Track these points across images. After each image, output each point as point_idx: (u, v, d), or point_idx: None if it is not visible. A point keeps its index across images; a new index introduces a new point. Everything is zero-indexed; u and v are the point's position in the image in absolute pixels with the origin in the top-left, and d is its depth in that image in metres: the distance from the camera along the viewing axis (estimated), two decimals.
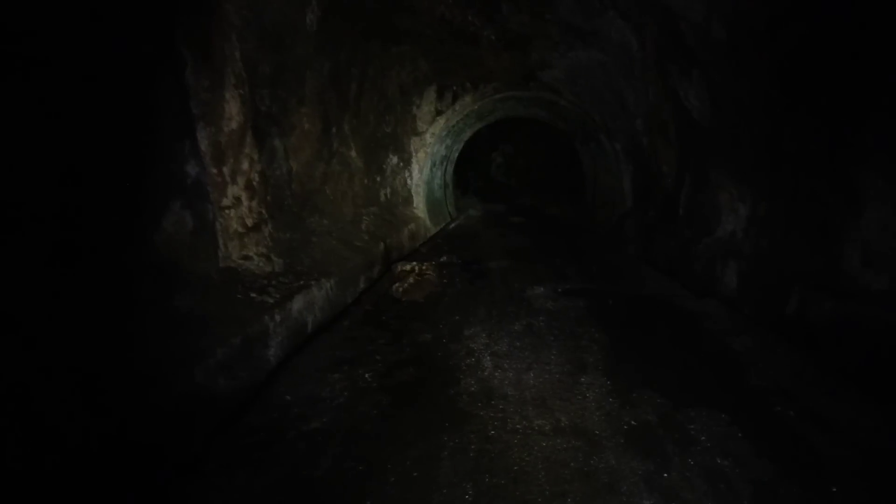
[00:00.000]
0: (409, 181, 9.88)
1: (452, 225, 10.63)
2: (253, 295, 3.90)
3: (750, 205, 5.01)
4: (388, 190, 8.82)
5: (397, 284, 5.13)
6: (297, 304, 4.24)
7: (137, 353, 2.47)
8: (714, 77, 5.04)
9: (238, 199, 4.29)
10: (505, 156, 16.10)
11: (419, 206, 10.00)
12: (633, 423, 2.53)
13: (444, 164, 11.97)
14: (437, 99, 10.11)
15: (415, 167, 10.04)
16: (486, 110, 11.02)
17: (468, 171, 14.52)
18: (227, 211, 4.21)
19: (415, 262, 6.01)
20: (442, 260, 6.74)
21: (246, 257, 4.42)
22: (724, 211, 5.65)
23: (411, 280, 5.18)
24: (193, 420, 2.60)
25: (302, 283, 4.55)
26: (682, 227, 6.69)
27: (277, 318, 3.87)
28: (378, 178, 8.43)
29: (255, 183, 4.44)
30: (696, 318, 4.28)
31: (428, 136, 10.13)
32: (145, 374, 2.43)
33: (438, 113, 10.12)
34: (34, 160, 2.42)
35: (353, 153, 6.99)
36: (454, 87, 10.11)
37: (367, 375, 3.17)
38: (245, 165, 4.32)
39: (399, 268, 5.80)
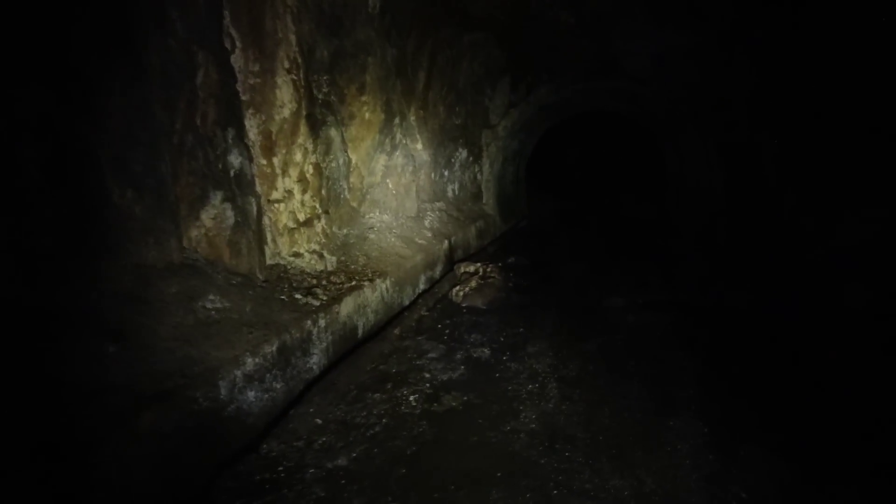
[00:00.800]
0: (478, 176, 9.37)
1: (524, 223, 10.02)
2: (298, 296, 3.55)
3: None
4: (456, 185, 8.36)
5: (458, 288, 4.65)
6: (347, 306, 3.86)
7: (141, 366, 2.13)
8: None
9: (290, 193, 3.97)
10: (582, 151, 15.18)
11: (489, 203, 9.47)
12: (742, 495, 1.90)
13: (517, 159, 11.34)
14: (510, 90, 9.51)
15: (485, 162, 9.51)
16: (563, 103, 10.27)
17: (542, 166, 13.79)
18: (276, 205, 3.89)
19: (479, 263, 5.51)
20: (509, 261, 6.19)
21: (296, 254, 4.09)
22: (849, 215, 4.74)
23: (473, 284, 4.68)
24: (208, 445, 2.24)
25: (354, 283, 4.17)
26: (788, 233, 5.75)
27: (322, 322, 3.49)
28: (446, 173, 7.98)
29: (308, 175, 4.10)
30: (813, 346, 3.48)
31: (500, 129, 9.57)
32: (153, 390, 2.09)
33: (512, 105, 9.53)
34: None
35: (419, 145, 6.58)
36: (528, 78, 9.47)
37: (411, 398, 2.71)
38: (298, 156, 3.98)
39: (462, 269, 5.32)
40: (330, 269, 4.30)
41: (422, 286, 5.41)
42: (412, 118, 6.40)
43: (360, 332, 4.00)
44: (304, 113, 3.97)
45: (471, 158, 9.05)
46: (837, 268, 4.64)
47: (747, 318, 4.05)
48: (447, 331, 3.80)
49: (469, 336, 3.67)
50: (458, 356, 3.30)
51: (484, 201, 9.42)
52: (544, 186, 13.77)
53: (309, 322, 3.35)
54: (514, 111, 9.51)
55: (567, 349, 3.37)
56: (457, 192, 8.34)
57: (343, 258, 4.50)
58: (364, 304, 4.11)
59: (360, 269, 4.46)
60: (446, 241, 6.35)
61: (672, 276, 5.39)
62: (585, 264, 6.11)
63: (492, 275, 5.09)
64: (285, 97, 3.72)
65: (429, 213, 6.77)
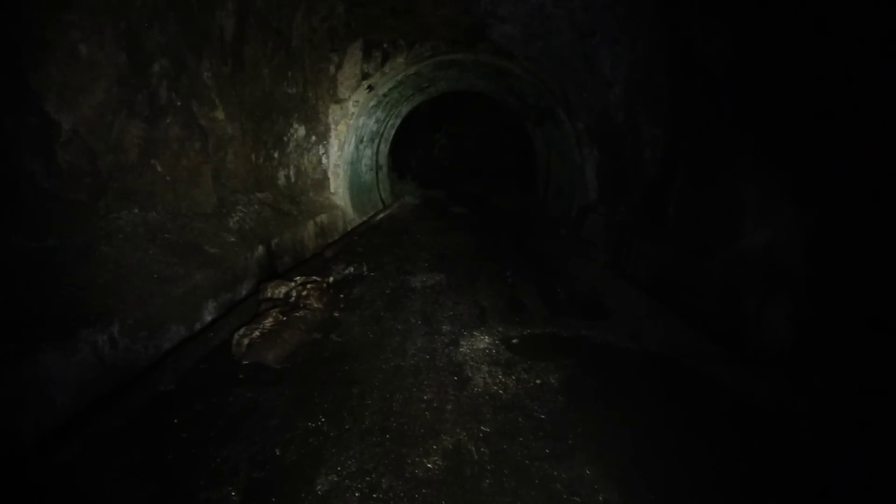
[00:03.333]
0: (324, 160, 7.51)
1: (380, 216, 8.32)
2: None
3: (815, 207, 3.02)
4: (291, 170, 6.44)
5: (245, 330, 2.85)
6: None
7: None
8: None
9: None
10: (449, 136, 13.80)
11: (338, 192, 7.66)
12: None
13: (377, 141, 9.62)
14: (363, 58, 7.74)
15: (333, 143, 7.67)
16: (425, 78, 8.72)
17: (407, 152, 12.20)
18: None
19: (297, 280, 3.73)
20: (347, 272, 4.48)
21: None
22: (750, 213, 3.68)
23: (270, 322, 2.90)
24: None
25: (13, 345, 2.20)
26: (674, 233, 4.70)
27: None
28: (275, 154, 6.04)
29: None
30: (762, 415, 2.23)
31: (351, 104, 7.77)
32: None
33: (365, 76, 7.76)
34: None
35: (220, 114, 4.59)
36: (384, 45, 7.76)
37: None
38: None
39: (268, 291, 3.51)
40: None
41: (208, 317, 3.53)
42: (206, 74, 4.39)
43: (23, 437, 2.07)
44: None
45: (313, 138, 7.15)
46: (742, 281, 3.56)
47: (661, 366, 2.74)
48: (184, 434, 2.00)
49: (217, 453, 1.90)
50: None
51: (332, 190, 7.59)
52: (410, 173, 12.21)
53: None
54: (366, 83, 7.75)
55: (394, 473, 1.75)
56: (292, 180, 6.43)
57: (22, 293, 2.49)
58: (33, 382, 2.17)
59: (53, 310, 2.48)
60: (262, 247, 4.48)
61: (553, 292, 4.04)
62: (445, 273, 4.59)
63: (308, 300, 3.35)
64: None
65: (240, 207, 4.83)
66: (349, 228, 7.41)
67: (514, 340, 2.99)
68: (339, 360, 2.70)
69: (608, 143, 6.61)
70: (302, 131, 6.71)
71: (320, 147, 7.39)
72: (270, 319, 2.92)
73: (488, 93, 10.75)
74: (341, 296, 3.77)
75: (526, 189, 10.59)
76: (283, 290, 3.52)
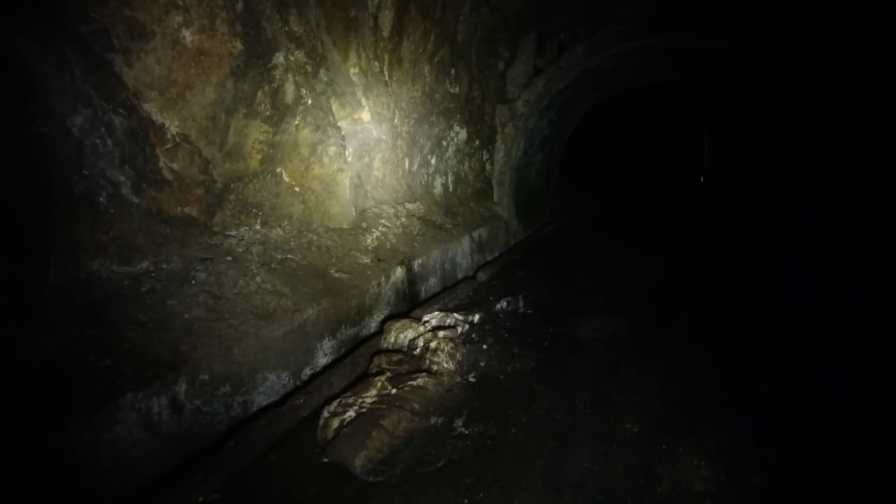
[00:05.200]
0: (487, 166, 6.59)
1: (551, 228, 7.12)
2: None
3: None
4: (449, 177, 5.63)
5: (336, 406, 1.97)
6: None
7: None
8: None
9: None
10: (630, 138, 11.95)
11: (502, 202, 6.68)
12: None
13: (548, 145, 8.43)
14: (536, 52, 6.65)
15: (499, 147, 6.72)
16: (606, 71, 7.27)
17: (581, 156, 10.75)
18: None
19: (429, 321, 2.80)
20: (498, 307, 3.43)
21: None
22: None
23: (373, 395, 1.99)
24: None
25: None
26: None
27: None
28: (432, 160, 5.28)
29: None
30: None
31: (521, 104, 6.74)
32: None
33: (537, 72, 6.66)
34: None
35: (366, 115, 3.91)
36: (560, 35, 6.55)
37: None
38: None
39: (390, 336, 2.64)
40: None
41: (322, 360, 2.80)
42: (353, 71, 3.73)
43: None
44: None
45: (477, 142, 6.28)
46: None
47: None
48: None
49: None
50: None
51: (495, 200, 6.65)
52: (583, 179, 10.74)
53: None
54: (539, 80, 6.64)
55: None
56: (449, 188, 5.62)
57: (82, 332, 1.92)
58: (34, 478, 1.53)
59: (106, 363, 1.86)
60: (400, 269, 3.68)
61: (800, 364, 2.48)
62: (626, 318, 3.26)
63: (437, 356, 2.38)
64: None
65: (382, 220, 4.11)
66: (512, 243, 6.38)
67: (755, 479, 1.63)
68: (455, 477, 1.66)
69: (862, 129, 4.54)
70: (463, 134, 5.87)
71: (484, 152, 6.49)
72: (374, 392, 2.00)
73: (678, 86, 8.85)
74: (484, 346, 2.74)
75: (723, 199, 8.44)
76: (409, 335, 2.61)
